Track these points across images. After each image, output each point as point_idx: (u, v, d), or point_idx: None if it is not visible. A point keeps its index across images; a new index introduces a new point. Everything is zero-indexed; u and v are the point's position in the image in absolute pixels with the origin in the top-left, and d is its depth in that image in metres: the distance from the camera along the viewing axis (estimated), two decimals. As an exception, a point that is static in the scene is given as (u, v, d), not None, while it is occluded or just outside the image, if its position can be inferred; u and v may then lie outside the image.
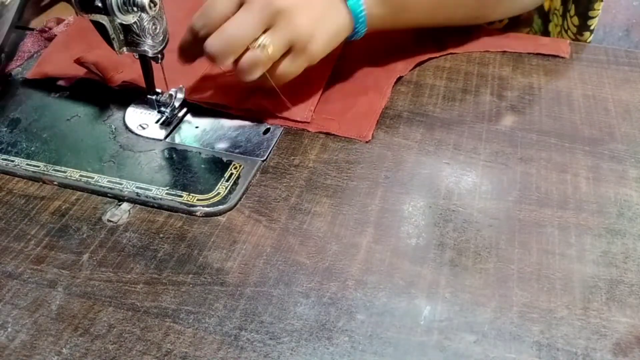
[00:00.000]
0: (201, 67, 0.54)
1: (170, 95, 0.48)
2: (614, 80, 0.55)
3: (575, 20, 0.66)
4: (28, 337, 0.34)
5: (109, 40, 0.42)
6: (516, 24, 0.71)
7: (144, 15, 0.41)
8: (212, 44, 0.43)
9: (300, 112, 0.49)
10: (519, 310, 0.35)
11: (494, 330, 0.34)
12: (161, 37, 0.43)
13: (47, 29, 0.59)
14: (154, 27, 0.42)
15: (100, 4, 0.39)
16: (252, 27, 0.43)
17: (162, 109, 0.48)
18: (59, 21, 0.60)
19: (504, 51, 0.58)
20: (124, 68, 0.52)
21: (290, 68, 0.46)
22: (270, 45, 0.43)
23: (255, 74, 0.45)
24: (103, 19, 0.40)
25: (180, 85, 0.49)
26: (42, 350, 0.33)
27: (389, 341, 0.34)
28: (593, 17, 0.65)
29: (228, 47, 0.43)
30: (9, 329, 0.34)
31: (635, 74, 0.55)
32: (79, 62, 0.52)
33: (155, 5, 0.40)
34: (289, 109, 0.49)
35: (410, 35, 0.60)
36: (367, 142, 0.48)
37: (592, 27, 0.67)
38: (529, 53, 0.58)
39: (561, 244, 0.39)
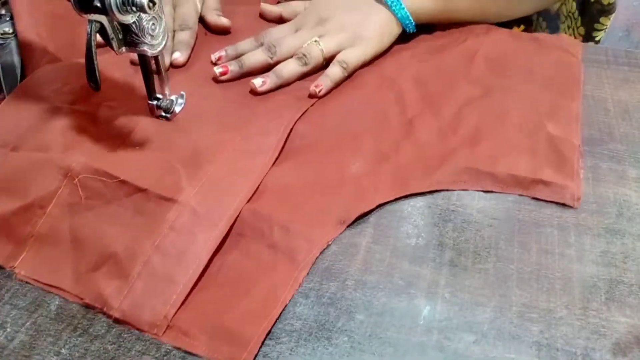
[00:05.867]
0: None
1: (171, 101, 0.47)
2: (613, 81, 0.54)
3: (582, 30, 0.68)
4: (27, 337, 0.34)
5: (108, 40, 0.42)
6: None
7: (143, 15, 0.41)
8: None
9: (150, 313, 0.34)
10: (519, 310, 0.35)
11: (494, 330, 0.34)
12: (160, 37, 0.43)
13: None
14: (153, 26, 0.42)
15: (99, 4, 0.39)
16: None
17: (163, 114, 0.48)
18: None
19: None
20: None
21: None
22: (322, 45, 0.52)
23: (310, 66, 0.52)
24: (102, 19, 0.40)
25: (182, 92, 0.48)
26: (41, 351, 0.33)
27: (389, 341, 0.34)
28: (599, 30, 0.66)
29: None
30: (8, 329, 0.34)
31: (635, 74, 0.55)
32: None
33: (154, 5, 0.39)
34: (134, 304, 0.34)
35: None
36: None
37: (597, 39, 0.68)
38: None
39: (560, 244, 0.39)
